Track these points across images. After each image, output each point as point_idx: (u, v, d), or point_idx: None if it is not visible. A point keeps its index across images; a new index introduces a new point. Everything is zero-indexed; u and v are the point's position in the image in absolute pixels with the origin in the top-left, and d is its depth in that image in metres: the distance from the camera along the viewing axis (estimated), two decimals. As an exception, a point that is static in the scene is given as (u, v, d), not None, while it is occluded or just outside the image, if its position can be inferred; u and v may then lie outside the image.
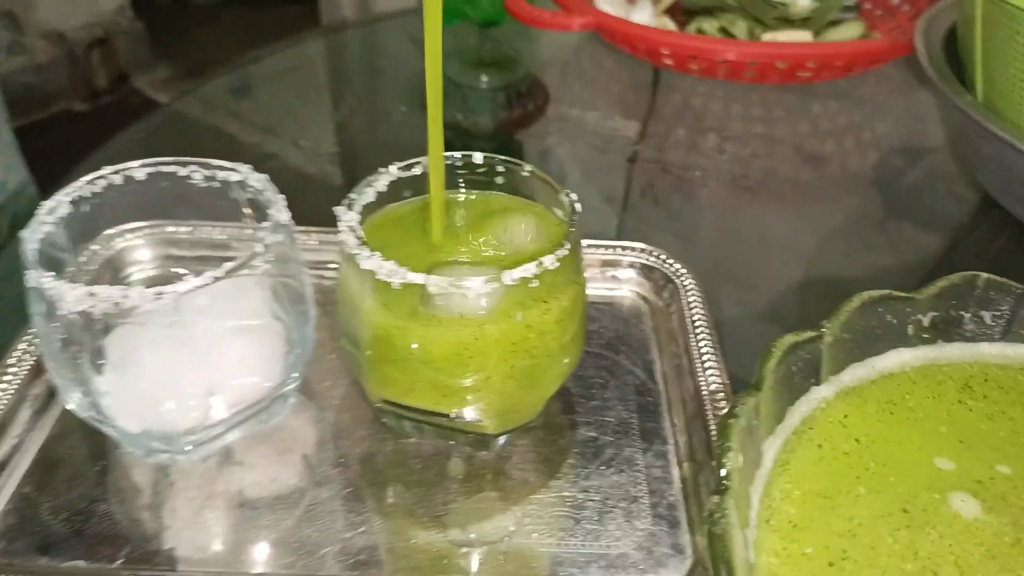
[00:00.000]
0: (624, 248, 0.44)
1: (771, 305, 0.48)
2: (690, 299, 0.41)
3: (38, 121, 1.75)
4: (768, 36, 0.67)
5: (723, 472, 0.24)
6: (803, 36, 0.67)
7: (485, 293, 0.29)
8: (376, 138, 0.64)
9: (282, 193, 0.34)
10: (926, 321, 0.30)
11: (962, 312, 0.31)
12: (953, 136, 0.56)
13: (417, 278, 0.28)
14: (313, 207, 0.39)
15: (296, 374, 0.35)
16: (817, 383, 0.29)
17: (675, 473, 0.35)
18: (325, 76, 0.76)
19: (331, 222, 0.32)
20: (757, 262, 0.51)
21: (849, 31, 0.69)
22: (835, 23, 0.70)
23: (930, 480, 0.27)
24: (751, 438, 0.26)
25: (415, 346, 0.30)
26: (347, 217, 0.31)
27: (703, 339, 0.38)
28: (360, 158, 0.63)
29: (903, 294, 0.30)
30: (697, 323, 0.39)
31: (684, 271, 0.42)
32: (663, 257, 0.43)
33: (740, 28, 0.68)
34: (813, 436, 0.28)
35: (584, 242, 0.43)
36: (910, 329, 0.30)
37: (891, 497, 0.26)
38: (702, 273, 0.43)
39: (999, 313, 0.31)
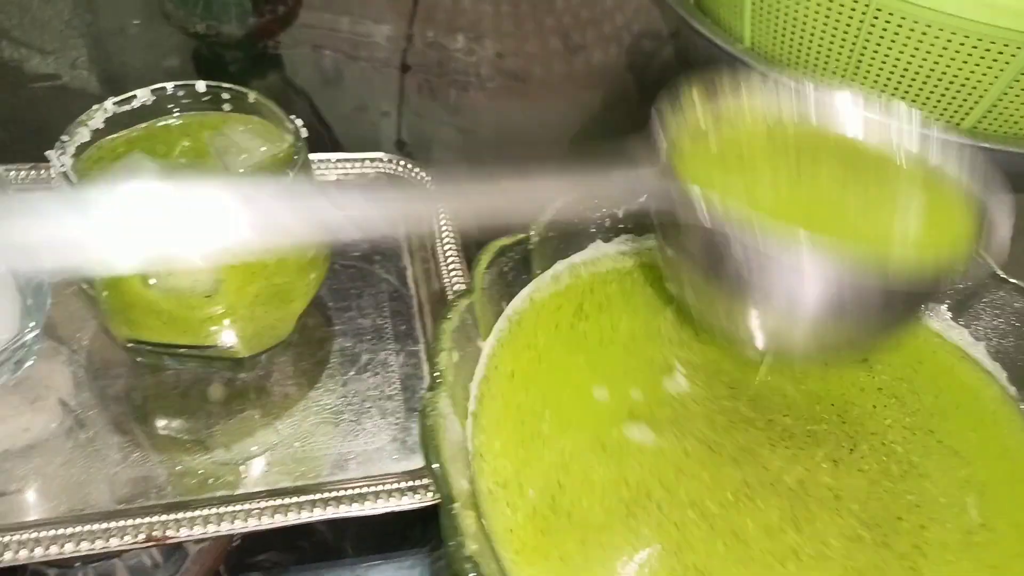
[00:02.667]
0: (371, 159, 0.45)
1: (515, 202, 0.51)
2: (435, 205, 0.43)
3: None
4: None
5: (435, 371, 0.27)
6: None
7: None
8: (110, 55, 0.60)
9: (20, 116, 0.32)
10: (620, 213, 0.35)
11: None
12: (673, 30, 0.61)
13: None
14: (54, 130, 0.37)
15: (34, 323, 0.34)
16: (528, 277, 0.33)
17: (426, 369, 0.38)
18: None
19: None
20: (510, 158, 0.55)
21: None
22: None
23: (603, 414, 0.29)
24: (467, 336, 0.30)
25: (151, 283, 0.31)
26: (59, 161, 0.31)
27: (448, 243, 0.41)
28: (106, 74, 0.59)
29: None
30: (443, 228, 0.42)
31: (427, 178, 0.45)
32: (407, 165, 0.45)
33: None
34: (507, 353, 0.31)
35: (333, 156, 0.45)
36: (607, 222, 0.35)
37: (583, 432, 0.28)
38: (458, 172, 0.45)
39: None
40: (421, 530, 0.35)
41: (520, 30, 0.67)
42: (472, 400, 0.29)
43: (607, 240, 0.35)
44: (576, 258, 0.34)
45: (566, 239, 0.34)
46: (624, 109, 0.62)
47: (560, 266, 0.34)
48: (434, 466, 0.25)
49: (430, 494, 0.33)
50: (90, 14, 0.64)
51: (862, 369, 0.33)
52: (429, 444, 0.25)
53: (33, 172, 0.41)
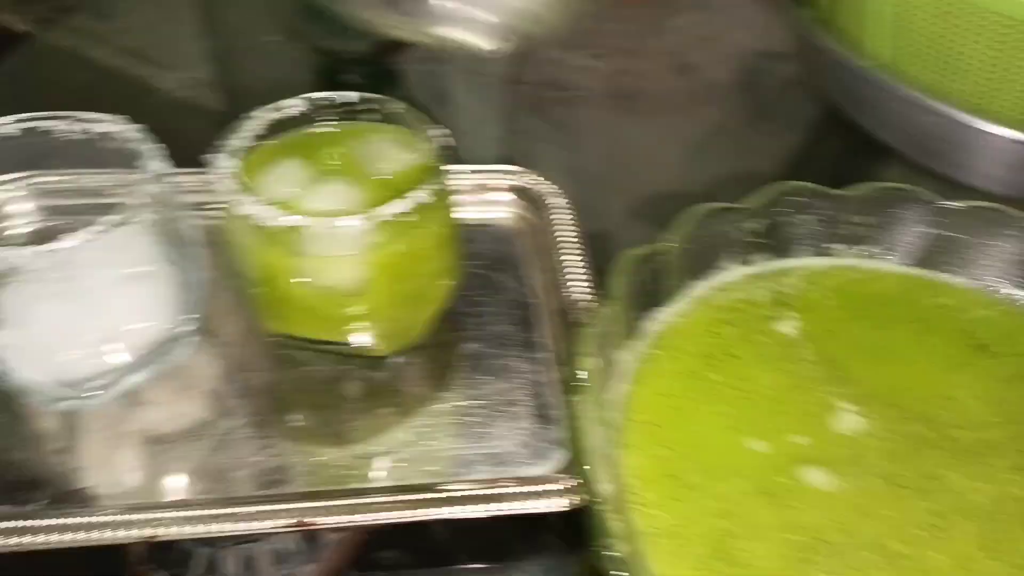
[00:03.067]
0: (500, 171, 0.46)
1: (642, 214, 0.52)
2: (562, 217, 0.44)
3: None
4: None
5: (579, 374, 0.27)
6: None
7: (361, 229, 0.31)
8: (251, 68, 0.64)
9: (158, 129, 0.35)
10: (756, 227, 0.35)
11: (786, 219, 0.35)
12: (797, 47, 0.60)
13: (296, 220, 0.31)
14: (193, 142, 0.39)
15: (192, 315, 0.36)
16: (669, 291, 0.33)
17: (553, 376, 0.39)
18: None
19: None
20: (629, 173, 0.55)
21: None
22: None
23: (764, 463, 0.29)
24: (608, 343, 0.30)
25: (299, 282, 0.33)
26: (223, 164, 0.33)
27: (573, 254, 0.42)
28: (235, 89, 0.63)
29: (732, 205, 0.34)
30: (568, 239, 0.43)
31: (555, 189, 0.45)
32: (536, 177, 0.46)
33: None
34: (643, 399, 0.31)
35: (464, 167, 0.46)
36: (743, 235, 0.35)
37: (743, 480, 0.28)
38: (583, 185, 0.46)
39: (820, 218, 0.35)
40: (540, 538, 0.35)
41: (636, 48, 0.67)
42: (618, 412, 0.30)
43: (743, 259, 0.35)
44: (708, 284, 0.34)
45: (702, 252, 0.34)
46: (733, 130, 0.62)
47: (695, 290, 0.34)
48: (585, 468, 0.25)
49: (558, 500, 0.33)
50: (219, 32, 0.68)
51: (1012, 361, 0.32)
52: (578, 445, 0.26)
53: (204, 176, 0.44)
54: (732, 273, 0.35)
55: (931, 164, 0.45)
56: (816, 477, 0.27)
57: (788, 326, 0.33)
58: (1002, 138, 0.41)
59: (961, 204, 0.34)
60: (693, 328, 0.33)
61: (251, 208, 0.31)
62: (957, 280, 0.35)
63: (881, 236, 0.35)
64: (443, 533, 0.35)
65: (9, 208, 0.43)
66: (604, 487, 0.25)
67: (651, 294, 0.33)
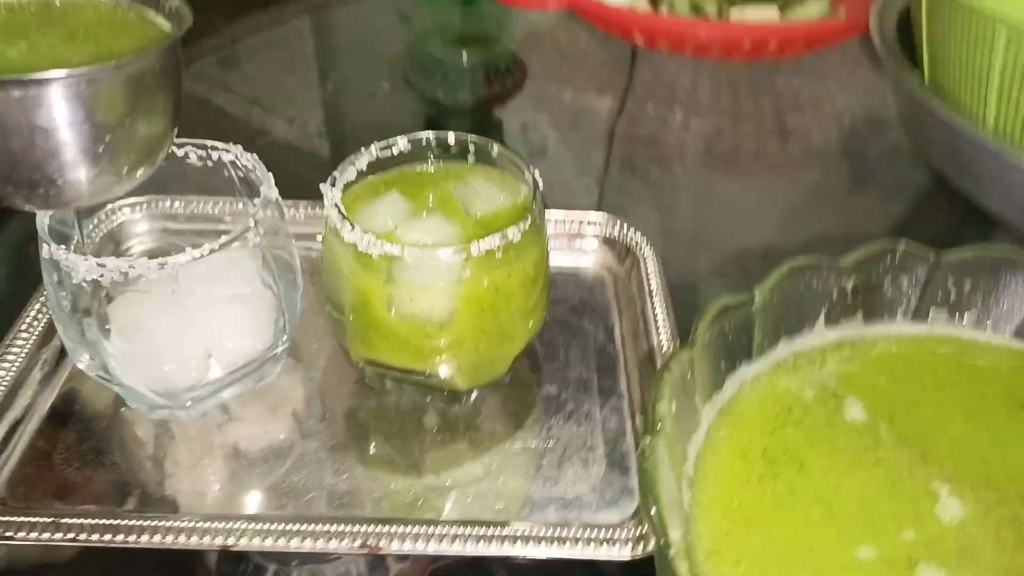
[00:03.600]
0: (589, 221, 0.47)
1: (730, 273, 0.51)
2: (648, 267, 0.44)
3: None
4: (736, 12, 0.70)
5: (655, 416, 0.27)
6: (770, 12, 0.70)
7: (455, 262, 0.32)
8: (359, 114, 0.67)
9: (270, 166, 0.37)
10: (849, 286, 0.34)
11: (882, 278, 0.34)
12: (903, 112, 0.59)
13: (394, 250, 0.32)
14: (300, 180, 0.42)
15: (285, 337, 0.38)
16: (751, 346, 0.33)
17: (628, 425, 0.38)
18: (311, 49, 0.79)
19: (317, 194, 0.35)
20: (723, 231, 0.55)
21: (814, 7, 0.72)
22: (802, -1, 0.73)
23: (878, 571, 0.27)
24: (686, 390, 0.30)
25: (393, 311, 0.34)
26: (331, 194, 0.34)
27: (657, 304, 0.42)
28: (344, 133, 0.66)
29: (827, 260, 0.33)
30: (653, 290, 0.43)
31: (643, 240, 0.46)
32: (624, 227, 0.46)
33: (711, 4, 0.71)
34: (733, 432, 0.31)
35: (554, 212, 0.47)
36: (835, 294, 0.34)
37: None
38: (669, 241, 0.46)
39: (914, 279, 0.34)
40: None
41: (735, 109, 0.67)
42: (690, 466, 0.29)
43: (832, 320, 0.34)
44: (791, 347, 0.33)
45: (790, 308, 0.33)
46: (831, 195, 0.61)
47: (776, 352, 0.33)
48: (651, 511, 0.25)
49: (625, 548, 0.33)
50: (332, 82, 0.72)
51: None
52: (647, 489, 0.25)
53: (306, 209, 0.47)
54: (816, 336, 0.34)
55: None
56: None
57: (857, 408, 0.32)
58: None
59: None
60: (761, 409, 0.32)
61: (352, 236, 0.32)
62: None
63: (981, 301, 0.34)
64: (505, 570, 0.35)
65: (130, 228, 0.46)
66: (673, 534, 0.25)
67: (734, 346, 0.32)
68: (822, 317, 0.34)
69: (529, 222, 0.33)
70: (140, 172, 0.32)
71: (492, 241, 0.32)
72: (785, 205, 0.59)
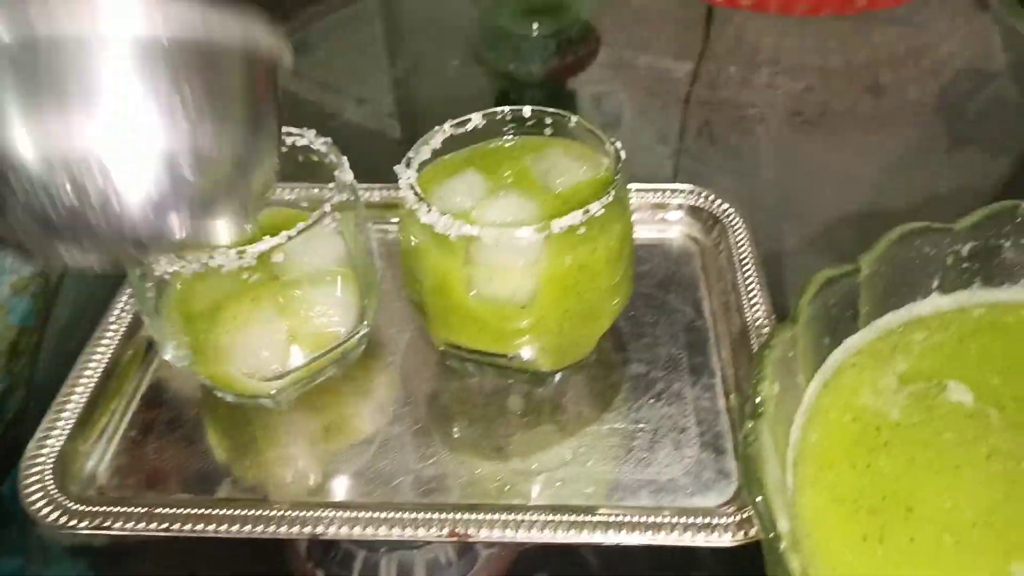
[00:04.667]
0: (673, 191, 0.45)
1: (826, 240, 0.48)
2: (737, 238, 0.42)
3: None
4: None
5: (757, 399, 0.25)
6: (860, -39, 0.65)
7: (535, 241, 0.31)
8: (431, 92, 0.66)
9: (344, 150, 0.36)
10: (965, 251, 0.31)
11: (1001, 241, 0.31)
12: (1013, 60, 0.55)
13: (472, 230, 0.31)
14: (374, 162, 0.41)
15: (366, 322, 0.38)
16: (856, 319, 0.30)
17: (722, 404, 0.36)
18: (381, 30, 0.78)
19: (391, 176, 0.34)
20: (813, 197, 0.52)
21: (909, -47, 0.67)
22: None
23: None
24: (788, 369, 0.28)
25: (472, 293, 0.33)
26: (406, 175, 0.33)
27: (749, 276, 0.40)
28: (417, 112, 0.65)
29: (941, 225, 0.30)
30: (744, 261, 0.40)
31: (731, 210, 0.43)
32: (711, 198, 0.44)
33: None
34: (840, 398, 0.29)
35: (635, 185, 0.45)
36: (949, 260, 0.31)
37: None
38: (755, 211, 0.44)
39: (1038, 243, 0.31)
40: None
41: (824, 66, 0.64)
42: (791, 448, 0.27)
43: (947, 287, 0.32)
44: (898, 318, 0.31)
45: (900, 277, 0.31)
46: (932, 154, 0.56)
47: (887, 320, 0.31)
48: (757, 499, 0.23)
49: (724, 534, 0.31)
50: (403, 60, 0.71)
51: None
52: (751, 475, 0.24)
53: (382, 192, 0.47)
54: (927, 306, 0.32)
55: None
56: None
57: (962, 392, 0.29)
58: None
59: None
60: (865, 390, 0.29)
61: (429, 217, 0.31)
62: None
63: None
64: (594, 555, 0.33)
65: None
66: (781, 524, 0.23)
67: (838, 320, 0.30)
68: (935, 286, 0.32)
69: (612, 195, 0.32)
70: None
71: (574, 217, 0.31)
72: (880, 168, 0.55)
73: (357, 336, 0.38)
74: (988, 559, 0.25)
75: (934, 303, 0.32)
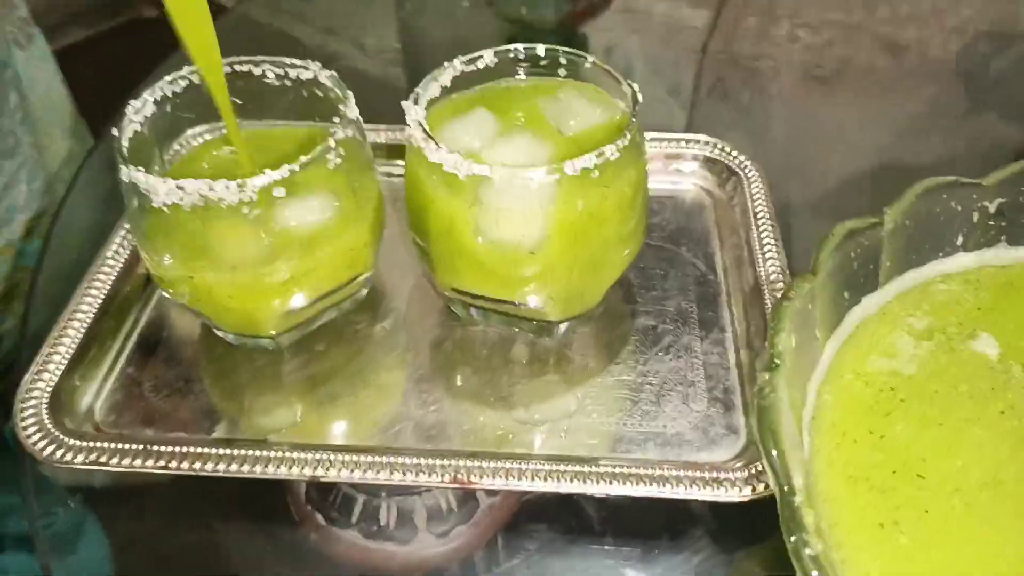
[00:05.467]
0: (688, 141, 0.44)
1: (841, 197, 0.47)
2: (753, 191, 0.41)
3: (110, 29, 1.78)
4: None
5: (775, 351, 0.25)
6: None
7: (547, 183, 0.30)
8: (438, 36, 0.64)
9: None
10: (992, 208, 0.30)
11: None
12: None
13: (482, 170, 0.29)
14: (379, 106, 0.40)
15: (369, 265, 0.37)
16: (877, 275, 0.30)
17: (732, 359, 0.36)
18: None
19: (397, 120, 0.33)
20: (829, 154, 0.51)
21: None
22: None
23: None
24: (806, 323, 0.27)
25: (480, 236, 0.32)
26: (414, 111, 0.32)
27: (764, 231, 0.39)
28: (423, 55, 0.63)
29: (968, 180, 0.29)
30: (759, 215, 0.39)
31: (748, 163, 0.42)
32: (727, 149, 0.43)
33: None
34: (858, 365, 0.28)
35: (648, 135, 0.44)
36: (975, 216, 0.30)
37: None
38: (769, 165, 0.42)
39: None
40: (692, 529, 0.32)
41: (845, 21, 0.62)
42: (808, 408, 0.27)
43: (972, 245, 0.31)
44: (927, 271, 0.30)
45: (924, 233, 0.30)
46: (951, 115, 0.55)
47: (910, 277, 0.30)
48: (772, 453, 0.22)
49: (733, 490, 0.30)
50: (410, 4, 0.69)
51: None
52: (766, 428, 0.23)
53: (388, 132, 0.46)
54: (951, 263, 0.31)
55: None
56: None
57: (990, 344, 0.28)
58: None
59: None
60: (884, 345, 0.28)
61: (437, 156, 0.30)
62: None
63: None
64: (594, 507, 0.33)
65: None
66: (796, 479, 0.22)
67: (859, 275, 0.29)
68: (960, 243, 0.31)
69: (628, 138, 0.30)
70: None
71: (588, 160, 0.29)
72: (897, 128, 0.53)
73: (359, 279, 0.37)
74: (1000, 523, 0.24)
75: (959, 261, 0.31)
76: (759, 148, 0.49)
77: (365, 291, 0.38)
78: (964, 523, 0.24)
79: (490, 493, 0.33)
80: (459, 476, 0.31)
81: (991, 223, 0.30)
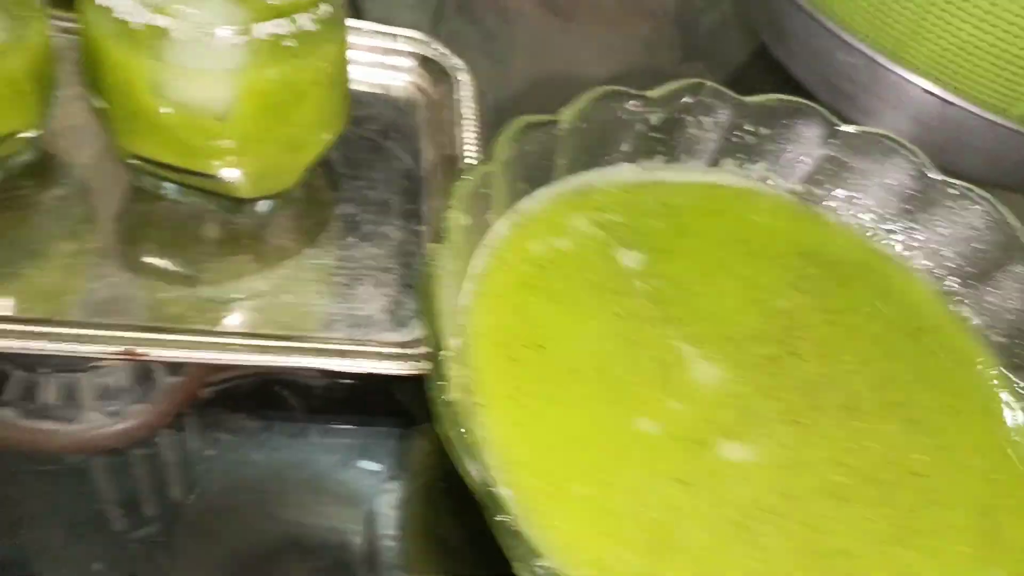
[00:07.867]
0: (405, 37, 0.44)
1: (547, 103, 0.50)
2: (463, 94, 0.42)
3: None
4: None
5: (444, 224, 0.26)
6: None
7: (234, 42, 0.28)
8: None
9: None
10: (654, 120, 0.34)
11: (686, 115, 0.34)
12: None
13: (161, 21, 0.27)
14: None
15: (31, 121, 0.33)
16: (551, 171, 0.32)
17: (426, 250, 0.37)
18: None
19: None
20: (552, 76, 0.53)
21: None
22: None
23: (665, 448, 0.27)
24: (479, 204, 0.29)
25: (159, 97, 0.30)
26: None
27: (468, 132, 0.40)
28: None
29: (636, 91, 0.33)
30: (465, 116, 0.41)
31: (461, 65, 0.43)
32: (442, 49, 0.44)
33: None
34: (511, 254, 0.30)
35: (366, 25, 0.43)
36: (639, 127, 0.34)
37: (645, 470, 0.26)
38: (483, 71, 0.44)
39: (717, 120, 0.35)
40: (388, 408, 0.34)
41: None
42: (468, 279, 0.28)
43: (634, 157, 0.34)
44: (595, 175, 0.33)
45: (596, 137, 0.33)
46: (659, 56, 0.61)
47: (571, 181, 0.33)
48: (428, 317, 0.24)
49: (415, 364, 0.32)
50: None
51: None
52: (426, 293, 0.24)
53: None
54: (615, 172, 0.34)
55: (842, 108, 0.45)
56: (733, 452, 0.27)
57: (631, 257, 0.32)
58: (914, 86, 0.41)
59: (854, 129, 0.34)
60: (541, 238, 0.31)
61: (112, 1, 0.28)
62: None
63: (771, 150, 0.35)
64: (292, 393, 0.33)
65: None
66: (450, 341, 0.24)
67: (535, 169, 0.31)
68: (625, 152, 0.34)
69: (326, 10, 0.30)
70: None
71: (280, 25, 0.29)
72: (612, 58, 0.58)
73: (21, 137, 0.33)
74: (613, 410, 0.27)
75: (621, 169, 0.34)
76: (480, 53, 0.51)
77: (29, 154, 0.34)
78: (581, 402, 0.27)
79: (170, 372, 0.32)
80: (134, 348, 0.29)
81: (652, 135, 0.34)
